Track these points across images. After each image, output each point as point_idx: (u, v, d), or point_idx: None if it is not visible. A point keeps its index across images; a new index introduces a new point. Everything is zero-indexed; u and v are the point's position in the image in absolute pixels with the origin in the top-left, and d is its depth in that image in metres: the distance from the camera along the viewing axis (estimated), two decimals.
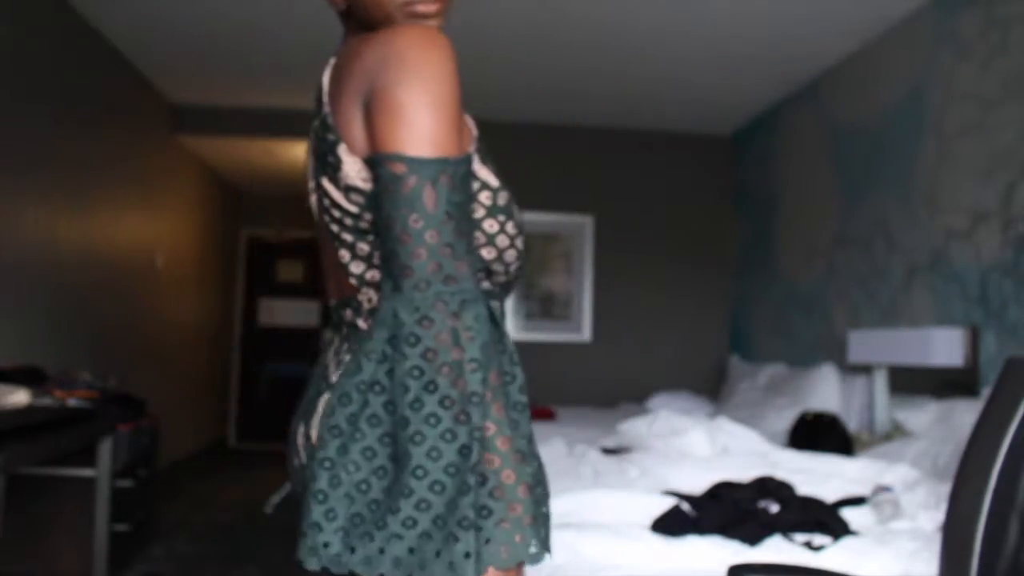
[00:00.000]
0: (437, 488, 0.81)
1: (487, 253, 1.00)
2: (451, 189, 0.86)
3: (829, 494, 2.32)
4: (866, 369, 3.80)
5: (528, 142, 5.73)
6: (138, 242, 5.20)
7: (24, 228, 3.67)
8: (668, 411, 3.20)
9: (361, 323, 0.99)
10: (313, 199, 1.04)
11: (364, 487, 0.87)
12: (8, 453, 2.21)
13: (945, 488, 2.27)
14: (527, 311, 5.71)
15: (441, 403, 0.82)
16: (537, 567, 1.81)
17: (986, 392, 2.84)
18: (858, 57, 4.23)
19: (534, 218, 5.66)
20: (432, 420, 0.82)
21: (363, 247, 0.97)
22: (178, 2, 3.96)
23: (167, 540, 4.02)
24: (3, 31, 3.46)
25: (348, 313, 1.02)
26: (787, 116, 5.06)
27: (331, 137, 0.95)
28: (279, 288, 8.08)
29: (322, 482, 0.88)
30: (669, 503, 2.11)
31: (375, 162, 0.88)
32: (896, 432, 3.21)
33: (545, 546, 0.90)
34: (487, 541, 0.84)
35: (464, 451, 0.82)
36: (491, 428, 0.87)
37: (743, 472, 2.45)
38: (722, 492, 2.18)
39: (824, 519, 2.01)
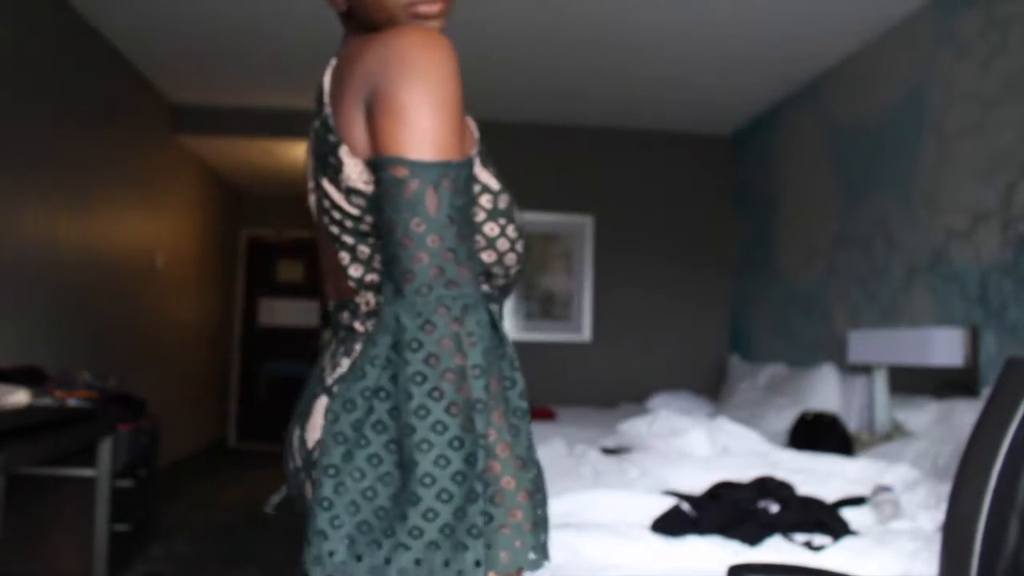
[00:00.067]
0: (444, 497, 0.80)
1: (487, 257, 0.99)
2: (453, 193, 0.86)
3: (829, 494, 2.32)
4: (866, 369, 3.80)
5: (528, 142, 5.73)
6: (138, 242, 5.20)
7: (24, 228, 3.67)
8: (668, 411, 3.20)
9: (358, 326, 0.99)
10: (312, 199, 1.03)
11: (370, 494, 0.87)
12: (8, 453, 2.21)
13: (945, 488, 2.27)
14: (527, 311, 5.71)
15: (447, 410, 0.81)
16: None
17: (986, 392, 2.84)
18: (858, 57, 4.23)
19: (534, 218, 5.66)
20: (439, 427, 0.81)
21: (363, 250, 0.96)
22: (178, 2, 3.96)
23: (167, 540, 4.02)
24: (3, 31, 3.46)
25: (345, 316, 1.01)
26: (787, 116, 5.06)
27: (332, 139, 0.94)
28: (279, 288, 8.08)
29: (327, 489, 0.87)
30: (669, 503, 2.11)
31: (377, 165, 0.88)
32: (896, 432, 3.21)
33: (544, 552, 0.90)
34: (488, 546, 0.84)
35: (471, 459, 0.82)
36: (492, 435, 0.86)
37: (743, 472, 2.45)
38: (722, 492, 2.18)
39: (824, 519, 2.01)
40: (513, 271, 1.03)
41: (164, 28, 4.30)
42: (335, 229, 0.98)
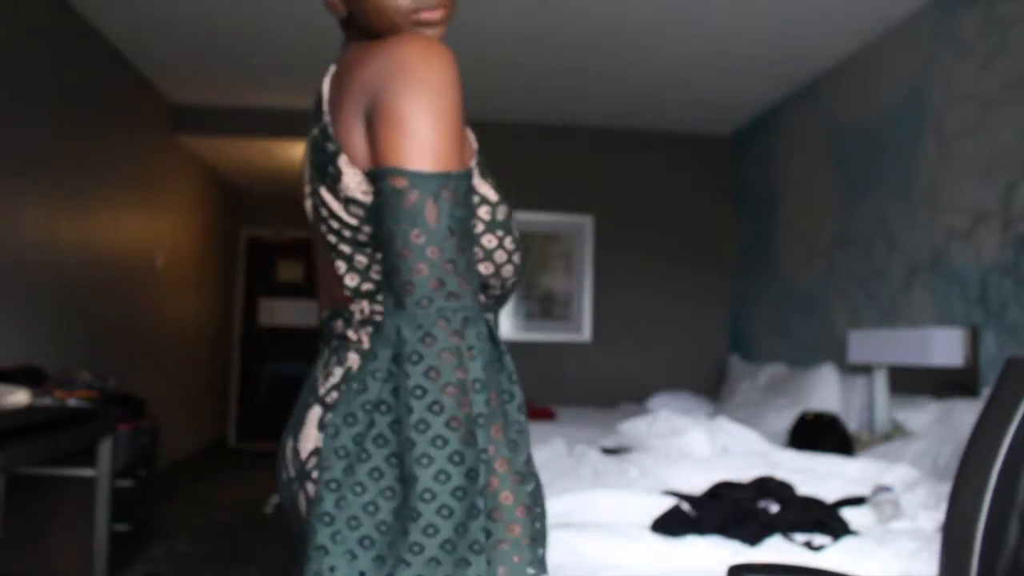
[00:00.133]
0: (445, 512, 0.80)
1: (484, 268, 0.98)
2: (453, 204, 0.85)
3: (829, 494, 2.32)
4: (866, 369, 3.80)
5: (528, 142, 5.73)
6: (138, 242, 5.20)
7: (24, 228, 3.67)
8: (668, 411, 3.20)
9: (351, 334, 0.98)
10: (308, 205, 1.02)
11: (372, 508, 0.86)
12: (8, 453, 2.21)
13: (945, 488, 2.27)
14: (527, 311, 5.71)
15: (448, 424, 0.81)
16: None
17: (986, 392, 2.84)
18: (858, 57, 4.23)
19: (534, 218, 5.66)
20: (439, 442, 0.80)
21: (360, 259, 0.96)
22: (178, 2, 3.96)
23: (167, 540, 4.02)
24: (3, 31, 3.46)
25: (339, 324, 1.00)
26: (787, 116, 5.06)
27: (331, 148, 0.93)
28: (279, 288, 8.08)
29: (328, 504, 0.86)
30: (669, 503, 2.11)
31: (376, 176, 0.87)
32: (896, 432, 3.21)
33: (542, 566, 0.90)
34: (488, 562, 0.84)
35: (472, 474, 0.81)
36: (490, 449, 0.86)
37: (743, 472, 2.45)
38: (722, 492, 2.18)
39: (824, 519, 2.01)
40: (510, 283, 1.02)
41: (164, 28, 4.30)
42: (332, 238, 0.97)
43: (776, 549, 1.90)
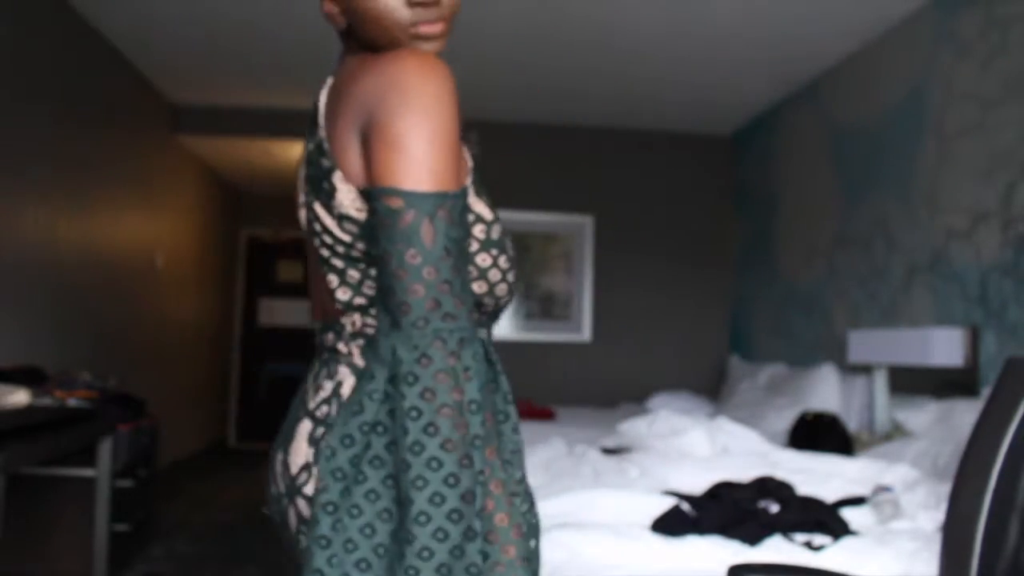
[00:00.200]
0: (440, 535, 0.79)
1: (478, 287, 0.97)
2: (449, 224, 0.84)
3: (829, 494, 2.32)
4: (866, 369, 3.80)
5: (528, 142, 5.73)
6: (138, 242, 5.20)
7: (24, 228, 3.67)
8: (668, 411, 3.20)
9: (341, 347, 0.97)
10: (302, 216, 1.00)
11: (368, 531, 0.85)
12: (8, 453, 2.21)
13: (945, 488, 2.27)
14: (527, 311, 5.71)
15: (443, 446, 0.80)
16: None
17: (986, 392, 2.84)
18: (858, 57, 4.23)
19: (534, 218, 5.66)
20: (434, 464, 0.80)
21: (353, 274, 0.95)
22: (178, 2, 3.96)
23: (167, 540, 4.02)
24: (3, 31, 3.46)
25: (330, 337, 0.99)
26: (787, 116, 5.06)
27: (326, 163, 0.92)
28: (279, 288, 8.08)
29: (324, 527, 0.86)
30: (669, 503, 2.11)
31: (371, 195, 0.86)
32: (896, 432, 3.21)
33: None
34: None
35: (468, 496, 0.81)
36: (485, 471, 0.86)
37: (743, 472, 2.45)
38: (722, 492, 2.18)
39: (824, 519, 2.01)
40: (504, 301, 1.01)
41: (164, 28, 4.30)
42: (325, 252, 0.96)
43: (776, 549, 1.90)
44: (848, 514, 2.16)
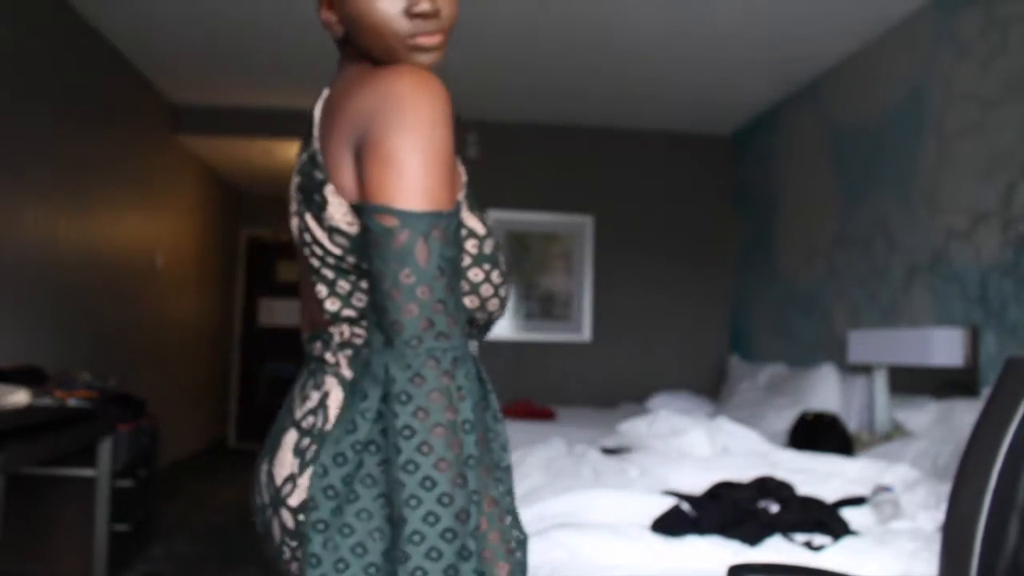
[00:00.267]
0: (434, 555, 0.79)
1: (470, 302, 0.96)
2: (443, 243, 0.84)
3: (829, 494, 2.32)
4: (866, 369, 3.80)
5: (528, 142, 5.73)
6: (138, 242, 5.20)
7: (24, 228, 3.67)
8: (668, 411, 3.20)
9: (329, 356, 0.97)
10: (294, 225, 1.00)
11: (360, 550, 0.85)
12: (8, 453, 2.21)
13: (945, 488, 2.27)
14: (527, 311, 5.71)
15: (436, 466, 0.80)
16: (537, 567, 1.81)
17: (986, 392, 2.85)
18: (858, 57, 4.23)
19: (534, 218, 5.66)
20: (428, 483, 0.79)
21: (343, 285, 0.94)
22: (178, 2, 3.96)
23: (167, 540, 4.02)
24: (3, 31, 3.46)
25: (318, 346, 0.99)
26: (787, 116, 5.06)
27: (319, 176, 0.92)
28: (279, 288, 8.08)
29: (316, 545, 0.85)
30: (669, 503, 2.11)
31: (364, 212, 0.85)
32: (896, 432, 3.21)
33: None
34: None
35: (462, 516, 0.80)
36: (481, 491, 0.86)
37: (743, 472, 2.45)
38: (722, 492, 2.18)
39: (824, 519, 2.01)
40: (496, 316, 1.01)
41: (164, 28, 4.30)
42: (315, 262, 0.95)
43: (776, 549, 1.90)
44: (848, 514, 2.16)
